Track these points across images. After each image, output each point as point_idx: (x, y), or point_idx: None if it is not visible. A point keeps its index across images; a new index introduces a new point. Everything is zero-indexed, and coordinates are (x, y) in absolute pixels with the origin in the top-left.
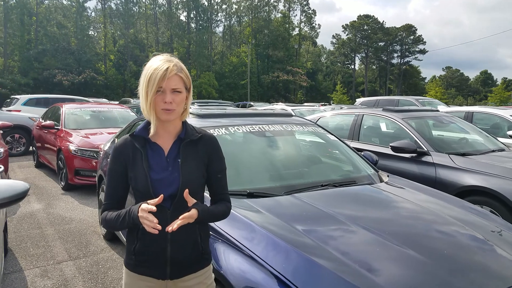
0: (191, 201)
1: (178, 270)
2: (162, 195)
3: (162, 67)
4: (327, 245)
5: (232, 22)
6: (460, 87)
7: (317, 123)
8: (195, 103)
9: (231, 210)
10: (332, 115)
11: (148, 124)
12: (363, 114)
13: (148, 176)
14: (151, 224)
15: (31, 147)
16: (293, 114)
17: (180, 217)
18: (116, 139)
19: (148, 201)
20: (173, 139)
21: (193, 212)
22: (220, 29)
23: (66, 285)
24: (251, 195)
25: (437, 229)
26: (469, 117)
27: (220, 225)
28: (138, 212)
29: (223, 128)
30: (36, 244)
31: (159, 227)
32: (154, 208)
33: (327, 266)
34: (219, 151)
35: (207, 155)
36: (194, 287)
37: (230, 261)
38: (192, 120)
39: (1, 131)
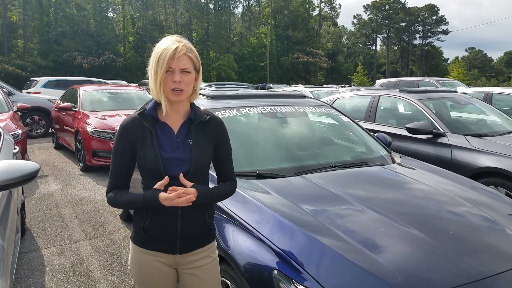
0: (188, 184)
1: (187, 244)
2: (167, 176)
3: (172, 47)
4: (332, 224)
5: (251, 3)
6: (483, 68)
7: (333, 104)
8: (213, 85)
9: (240, 191)
10: (349, 96)
11: (157, 104)
12: (380, 96)
13: (158, 155)
14: (184, 200)
15: (50, 129)
16: (306, 95)
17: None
18: None
19: (155, 186)
20: (182, 119)
21: (193, 190)
22: (239, 9)
23: (82, 263)
24: (260, 176)
25: (447, 210)
26: (488, 98)
27: (228, 206)
28: (159, 201)
29: (234, 109)
30: (54, 223)
31: (189, 197)
32: (175, 194)
33: (330, 245)
34: (226, 133)
35: (215, 137)
36: (201, 260)
37: (238, 241)
38: (203, 102)
39: (20, 113)
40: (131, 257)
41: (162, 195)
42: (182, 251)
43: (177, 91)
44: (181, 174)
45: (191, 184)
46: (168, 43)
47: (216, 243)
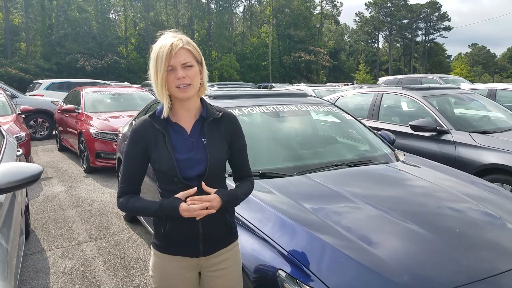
0: (211, 191)
1: (210, 246)
2: (195, 187)
3: (167, 43)
4: (337, 223)
5: (252, 2)
6: (487, 64)
7: (336, 103)
8: (215, 85)
9: None
10: (351, 94)
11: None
12: (383, 93)
13: (173, 157)
14: (206, 213)
15: (54, 131)
16: (308, 94)
17: (204, 200)
18: (134, 122)
19: (178, 196)
20: (194, 118)
21: (215, 197)
22: (240, 9)
23: (86, 265)
24: (263, 175)
25: (449, 207)
26: (492, 95)
27: None
28: (179, 212)
29: (237, 109)
30: (58, 225)
31: (210, 210)
32: (199, 206)
33: (335, 245)
34: (240, 128)
35: (229, 134)
36: (225, 262)
37: (241, 241)
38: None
39: (23, 116)
40: (153, 264)
41: (183, 206)
42: (206, 253)
43: (184, 87)
44: (203, 183)
45: (214, 190)
46: (163, 41)
47: (238, 242)
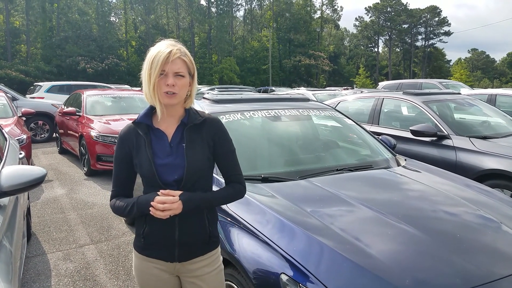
0: (175, 193)
1: (186, 253)
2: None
3: (165, 50)
4: (339, 228)
5: (253, 6)
6: (486, 70)
7: (336, 107)
8: (216, 89)
9: (245, 195)
10: (352, 99)
11: (150, 110)
12: (383, 98)
13: (152, 162)
14: (162, 215)
15: (54, 133)
16: (309, 98)
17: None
18: None
19: (161, 191)
20: (176, 124)
21: (176, 202)
22: (240, 13)
23: (87, 268)
24: (265, 179)
25: (450, 212)
26: (492, 100)
27: (233, 209)
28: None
29: (238, 113)
30: (59, 228)
31: (165, 215)
32: (169, 199)
33: (337, 249)
34: (225, 133)
35: (211, 138)
36: (202, 269)
37: (243, 244)
38: (207, 106)
39: (24, 118)
40: (133, 263)
41: (157, 199)
42: (181, 260)
43: (170, 94)
44: (161, 191)
45: (179, 193)
46: (162, 47)
47: (219, 250)
